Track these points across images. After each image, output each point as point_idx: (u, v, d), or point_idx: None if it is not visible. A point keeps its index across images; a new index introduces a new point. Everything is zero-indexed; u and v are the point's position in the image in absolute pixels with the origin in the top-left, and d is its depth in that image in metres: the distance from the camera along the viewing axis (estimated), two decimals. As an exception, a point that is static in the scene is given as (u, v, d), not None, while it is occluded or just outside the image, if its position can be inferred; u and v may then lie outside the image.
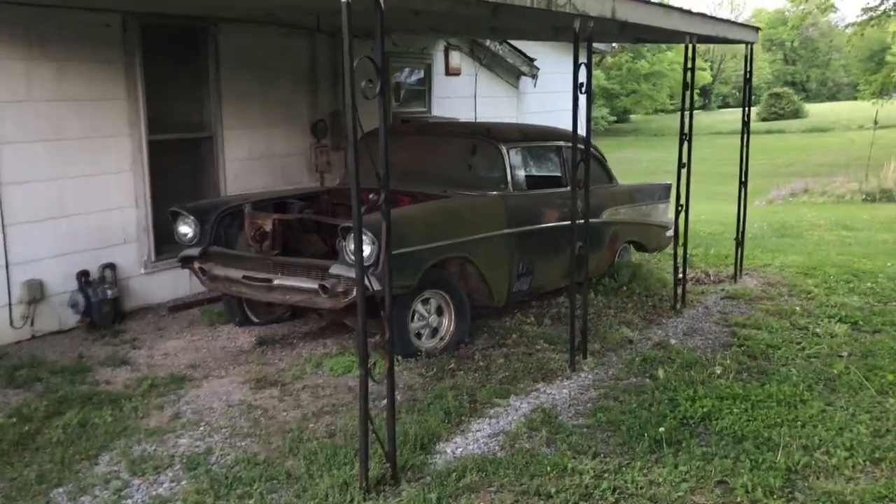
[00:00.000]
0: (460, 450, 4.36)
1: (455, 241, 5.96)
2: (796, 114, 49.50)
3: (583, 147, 5.81)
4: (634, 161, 32.06)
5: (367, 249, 5.33)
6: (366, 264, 5.31)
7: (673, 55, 46.63)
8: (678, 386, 5.23)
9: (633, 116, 53.24)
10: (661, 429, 4.44)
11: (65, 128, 6.65)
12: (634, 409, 4.84)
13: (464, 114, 11.27)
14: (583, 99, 5.50)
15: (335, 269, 5.47)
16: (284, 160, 8.73)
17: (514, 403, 5.02)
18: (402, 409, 4.80)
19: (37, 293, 6.48)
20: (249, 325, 6.76)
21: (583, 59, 5.47)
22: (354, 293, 5.49)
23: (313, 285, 5.59)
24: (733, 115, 48.19)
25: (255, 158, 8.36)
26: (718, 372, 5.57)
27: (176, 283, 7.51)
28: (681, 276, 7.62)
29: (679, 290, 7.58)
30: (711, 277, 9.06)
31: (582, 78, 5.43)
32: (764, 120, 47.18)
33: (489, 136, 6.86)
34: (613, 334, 6.50)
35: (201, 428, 4.67)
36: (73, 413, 4.81)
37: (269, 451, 4.33)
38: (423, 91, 10.99)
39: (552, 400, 5.10)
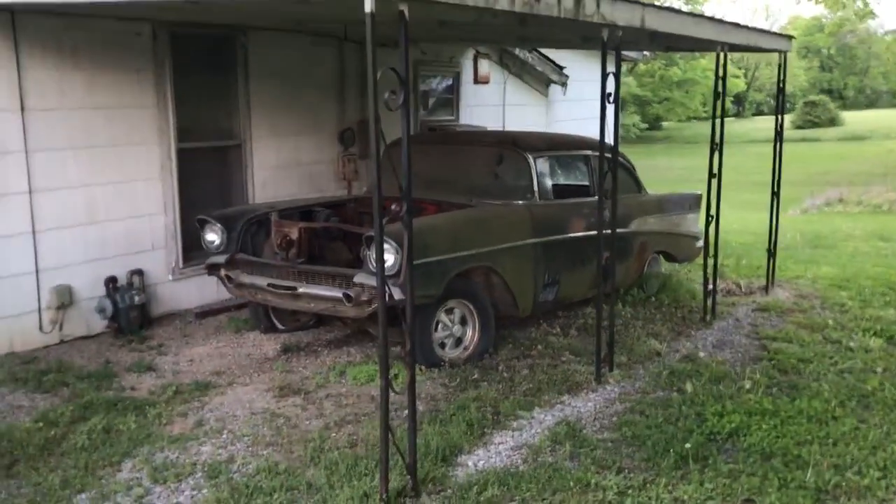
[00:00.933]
0: (482, 462, 4.32)
1: (480, 251, 5.92)
2: (832, 122, 48.85)
3: (610, 156, 5.75)
4: (666, 169, 31.82)
5: (389, 259, 5.31)
6: (388, 274, 5.30)
7: (706, 62, 46.22)
8: (706, 400, 5.14)
9: (665, 124, 52.85)
10: (688, 445, 4.36)
11: (95, 135, 6.72)
12: (660, 424, 4.76)
13: (492, 122, 11.24)
14: (611, 108, 5.45)
15: (359, 278, 5.46)
16: (312, 168, 8.76)
17: (537, 416, 4.96)
18: (425, 420, 4.76)
19: (66, 298, 6.54)
20: (275, 332, 6.78)
21: (611, 68, 5.42)
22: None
23: (337, 294, 5.58)
24: (767, 123, 47.55)
25: (282, 166, 8.40)
26: (748, 386, 5.47)
27: (203, 289, 7.54)
28: (710, 287, 7.50)
29: (709, 302, 7.47)
30: (742, 289, 8.93)
31: (610, 88, 5.37)
32: (799, 128, 46.60)
33: (515, 146, 6.82)
34: (641, 346, 6.41)
35: (224, 436, 4.67)
36: (98, 419, 4.83)
37: (290, 461, 4.32)
38: (451, 99, 10.98)
39: (577, 413, 5.03)
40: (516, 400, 5.18)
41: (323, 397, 5.27)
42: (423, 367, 5.75)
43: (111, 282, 6.78)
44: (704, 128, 50.39)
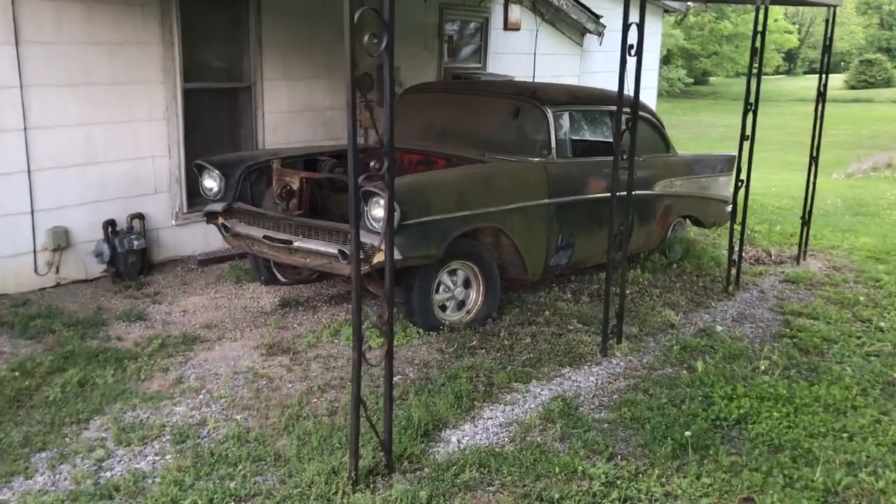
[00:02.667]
0: (467, 439, 4.05)
1: (487, 211, 5.58)
2: (888, 82, 47.00)
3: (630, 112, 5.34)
4: (710, 125, 30.95)
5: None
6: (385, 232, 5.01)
7: (758, 16, 44.60)
8: (716, 381, 4.81)
9: (712, 79, 51.36)
10: (688, 432, 4.03)
11: (95, 72, 6.45)
12: (663, 406, 4.45)
13: (521, 72, 10.77)
14: (635, 62, 5.03)
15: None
16: (326, 114, 8.43)
17: (533, 390, 4.67)
18: (412, 390, 4.51)
19: (62, 241, 6.36)
20: (275, 284, 6.55)
21: (635, 17, 4.99)
22: (376, 260, 5.21)
23: (333, 250, 5.30)
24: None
25: (295, 111, 8.08)
26: (763, 367, 5.11)
27: (207, 236, 7.31)
28: (735, 256, 7.10)
29: (733, 272, 7.07)
30: (773, 257, 8.51)
31: (633, 39, 4.95)
32: (852, 88, 44.91)
33: (534, 98, 6.41)
34: (654, 317, 6.07)
35: (201, 396, 4.46)
36: (76, 371, 4.65)
37: (263, 427, 4.09)
38: (478, 46, 10.52)
39: (576, 388, 4.74)
40: (513, 371, 4.89)
41: (312, 358, 5.03)
42: (420, 331, 5.48)
43: (110, 225, 6.58)
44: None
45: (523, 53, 11.02)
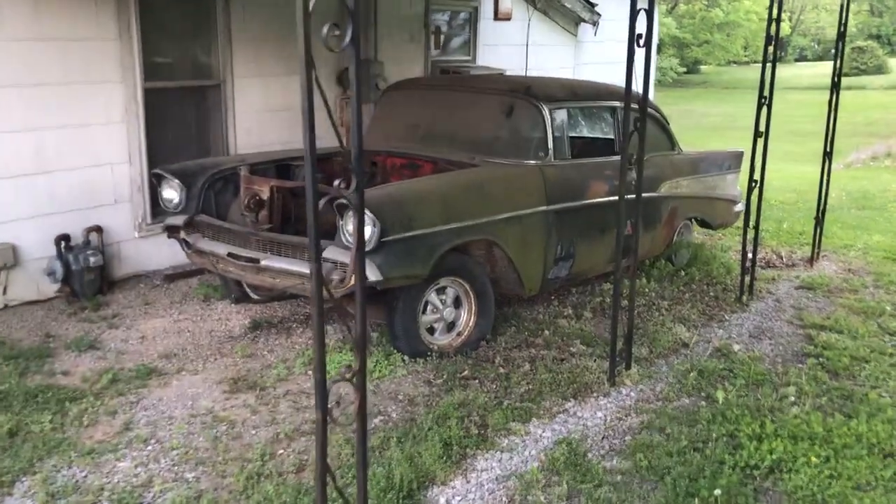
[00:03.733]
0: (458, 499, 3.47)
1: (478, 222, 4.98)
2: (880, 69, 46.49)
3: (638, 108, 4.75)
4: (702, 115, 30.37)
5: (366, 231, 4.41)
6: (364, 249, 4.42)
7: (750, 3, 44.11)
8: (740, 416, 4.23)
9: (703, 68, 50.74)
10: (718, 491, 3.46)
11: (44, 72, 5.82)
12: (684, 450, 3.87)
13: (513, 64, 10.16)
14: (642, 53, 4.44)
15: (330, 252, 4.56)
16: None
17: (534, 431, 4.09)
18: (394, 435, 3.91)
19: (9, 258, 5.74)
20: (247, 302, 5.94)
21: (643, 3, 4.40)
22: (352, 281, 4.62)
23: (305, 269, 4.69)
24: (810, 70, 45.54)
25: (270, 110, 7.46)
26: (792, 396, 4.54)
27: (174, 248, 6.59)
28: (749, 263, 6.53)
29: (746, 279, 6.50)
30: (784, 259, 7.95)
31: (641, 28, 4.35)
32: (844, 75, 44.37)
33: (529, 94, 5.81)
34: (665, 335, 5.50)
35: (150, 447, 3.86)
36: (7, 417, 4.04)
37: (218, 490, 3.49)
38: (468, 38, 9.90)
39: (582, 428, 4.15)
40: (511, 407, 4.30)
41: (281, 395, 4.44)
42: (405, 359, 4.89)
43: (63, 240, 5.97)
44: (744, 73, 48.42)
45: (515, 44, 10.41)
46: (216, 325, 5.58)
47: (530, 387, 4.58)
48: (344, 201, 4.43)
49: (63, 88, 5.95)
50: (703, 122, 27.34)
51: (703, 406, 4.42)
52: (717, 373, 4.90)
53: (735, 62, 51.12)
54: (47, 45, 5.82)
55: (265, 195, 5.37)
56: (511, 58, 10.21)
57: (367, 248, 4.41)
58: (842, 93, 7.64)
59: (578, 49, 11.72)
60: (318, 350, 2.79)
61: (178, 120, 6.90)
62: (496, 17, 9.96)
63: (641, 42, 4.36)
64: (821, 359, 5.21)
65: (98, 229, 6.19)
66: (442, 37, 9.48)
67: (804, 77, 39.91)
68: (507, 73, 9.63)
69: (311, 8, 2.59)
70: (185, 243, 5.40)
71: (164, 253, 6.70)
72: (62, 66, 5.93)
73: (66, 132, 6.01)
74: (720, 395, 4.52)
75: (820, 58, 55.85)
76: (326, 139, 8.25)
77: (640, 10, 4.33)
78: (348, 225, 4.49)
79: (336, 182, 2.86)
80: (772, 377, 4.88)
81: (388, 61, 8.48)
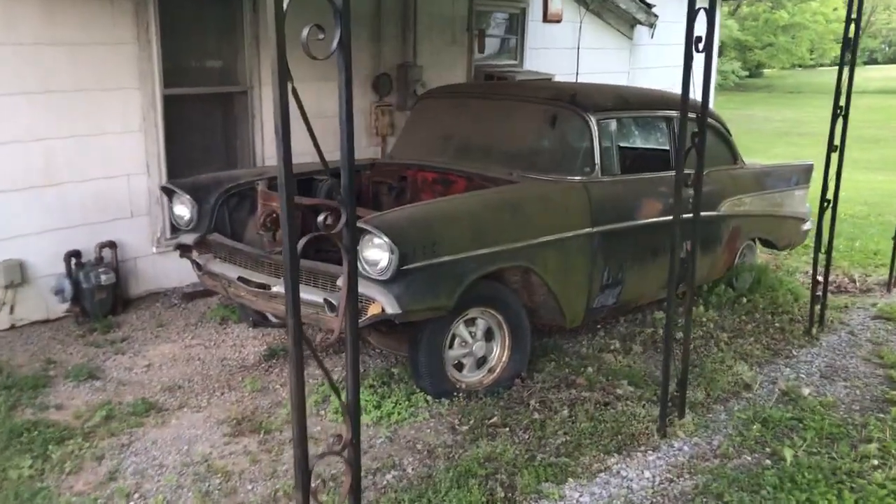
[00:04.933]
0: (475, 584, 2.95)
1: (512, 247, 4.44)
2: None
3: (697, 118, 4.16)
4: (764, 120, 29.25)
5: (381, 259, 3.93)
6: (380, 278, 3.95)
7: (817, 5, 42.59)
8: (814, 481, 3.62)
9: (766, 71, 49.21)
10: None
11: (55, 78, 5.47)
12: (746, 526, 3.29)
13: (563, 69, 9.60)
14: (702, 58, 3.87)
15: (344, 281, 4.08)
16: (338, 121, 7.34)
17: (569, 494, 3.53)
18: (406, 498, 3.41)
19: (16, 276, 5.41)
20: (265, 326, 5.51)
21: (703, 2, 3.82)
22: (371, 313, 4.14)
23: (319, 298, 4.23)
24: (880, 73, 43.72)
25: (301, 119, 7.01)
26: (874, 458, 3.91)
27: (194, 265, 6.31)
28: (820, 291, 5.87)
29: (816, 309, 5.84)
30: (857, 283, 7.25)
31: (700, 30, 3.78)
32: (918, 79, 42.49)
33: (573, 103, 5.25)
34: (724, 374, 4.89)
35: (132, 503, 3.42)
36: (-15, 461, 3.66)
37: (200, 562, 3.04)
38: (514, 41, 9.37)
39: (626, 492, 3.59)
40: (544, 464, 3.75)
41: (286, 440, 3.96)
42: (428, 399, 4.39)
43: (73, 256, 5.62)
44: (809, 76, 46.83)
45: (565, 48, 9.84)
46: (230, 351, 5.16)
47: (568, 437, 4.02)
48: (360, 225, 3.96)
49: (75, 95, 5.60)
50: (765, 126, 26.28)
51: (768, 467, 3.81)
52: (784, 423, 4.28)
53: (800, 65, 49.49)
54: (58, 50, 5.47)
55: (283, 212, 4.94)
56: (560, 62, 9.65)
57: (384, 278, 3.93)
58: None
59: (634, 53, 11.09)
60: (296, 424, 2.31)
61: (201, 129, 6.51)
62: (545, 18, 9.42)
63: (701, 46, 3.78)
64: (905, 407, 4.56)
65: (112, 245, 5.83)
66: (486, 39, 8.96)
67: (874, 80, 38.28)
68: (556, 78, 9.08)
69: (284, 8, 2.10)
70: (195, 265, 4.98)
71: (183, 270, 6.23)
72: (74, 73, 5.57)
73: (79, 141, 5.66)
74: (788, 452, 3.90)
75: (891, 60, 53.72)
76: (359, 148, 7.70)
77: (699, 9, 3.75)
78: (365, 251, 4.00)
79: (320, 217, 2.37)
80: (848, 429, 4.24)
81: (428, 65, 7.99)
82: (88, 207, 5.76)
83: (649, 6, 10.76)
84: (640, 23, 10.87)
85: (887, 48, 58.47)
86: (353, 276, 2.44)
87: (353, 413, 2.51)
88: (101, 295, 5.65)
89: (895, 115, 29.28)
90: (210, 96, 6.52)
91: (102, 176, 5.82)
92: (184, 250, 5.11)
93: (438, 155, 5.59)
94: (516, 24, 9.31)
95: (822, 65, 48.77)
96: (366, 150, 7.57)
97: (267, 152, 6.82)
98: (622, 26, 10.81)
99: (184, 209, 5.04)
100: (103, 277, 5.63)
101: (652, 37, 11.11)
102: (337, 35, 2.26)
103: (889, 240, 7.09)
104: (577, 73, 9.79)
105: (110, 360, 4.96)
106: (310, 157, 7.08)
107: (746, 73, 45.27)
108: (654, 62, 11.07)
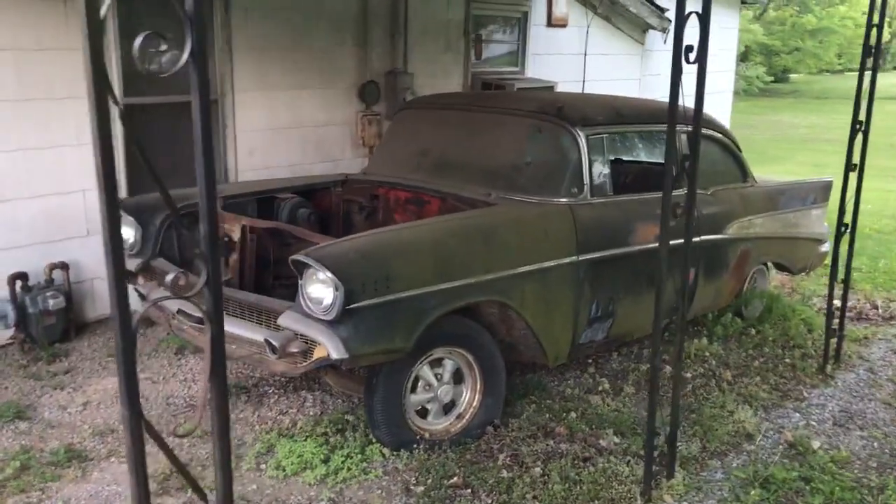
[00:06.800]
0: None
1: (483, 279, 3.93)
2: None
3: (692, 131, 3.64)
4: (790, 126, 28.48)
5: (326, 296, 3.45)
6: (324, 318, 3.47)
7: (846, 9, 41.66)
8: (819, 566, 3.10)
9: (793, 76, 48.24)
10: None
11: None
12: None
13: (569, 76, 9.09)
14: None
15: (285, 320, 3.61)
16: (320, 131, 6.91)
17: (529, 579, 3.03)
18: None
19: (-45, 301, 5.00)
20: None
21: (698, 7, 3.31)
22: (317, 356, 3.66)
23: (260, 338, 3.76)
24: (910, 79, 42.66)
25: (278, 129, 6.58)
26: (891, 533, 3.37)
27: (157, 286, 5.87)
28: (836, 323, 5.32)
29: (832, 342, 5.29)
30: (879, 311, 6.66)
31: (691, 39, 3.26)
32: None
33: (560, 116, 4.73)
34: (724, 422, 4.35)
35: (18, 584, 2.97)
36: None
37: None
38: (516, 46, 8.86)
39: (596, 576, 3.08)
40: (504, 537, 3.25)
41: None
42: (385, 452, 3.89)
43: (17, 279, 5.19)
44: (837, 82, 45.94)
45: (571, 54, 9.32)
46: (178, 388, 4.70)
47: (537, 503, 3.51)
48: (301, 259, 3.50)
49: (21, 106, 5.17)
50: (790, 133, 25.55)
51: (766, 544, 3.29)
52: (789, 485, 3.74)
53: (828, 71, 48.48)
54: (3, 55, 5.05)
55: (236, 236, 4.49)
56: (566, 69, 9.13)
57: (328, 318, 3.45)
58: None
59: (645, 59, 10.54)
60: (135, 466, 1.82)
61: (165, 141, 6.05)
62: (549, 23, 8.92)
63: (692, 56, 3.27)
64: (930, 465, 4.01)
65: (64, 266, 5.39)
66: (485, 45, 8.46)
67: (900, 87, 37.32)
68: (561, 86, 8.57)
69: (102, 14, 1.62)
70: (139, 294, 4.53)
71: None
72: (19, 81, 5.13)
73: (27, 155, 5.24)
74: (791, 526, 3.37)
75: (920, 66, 52.58)
76: (344, 160, 7.20)
77: (689, 13, 3.23)
78: (308, 287, 3.52)
79: (169, 276, 1.89)
80: (863, 494, 3.70)
81: (421, 73, 7.52)
82: (38, 226, 5.34)
83: (662, 10, 10.21)
84: (653, 28, 10.32)
85: (918, 53, 57.18)
86: (219, 350, 1.96)
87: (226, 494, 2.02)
88: (48, 320, 5.22)
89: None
90: (176, 105, 6.05)
91: (55, 192, 5.39)
92: (128, 277, 4.66)
93: (413, 172, 5.10)
94: (518, 29, 8.80)
95: (850, 70, 47.72)
96: (351, 161, 7.11)
97: (240, 165, 6.39)
98: (633, 31, 10.26)
99: (127, 231, 4.58)
100: (51, 302, 5.20)
101: (665, 42, 10.53)
102: (188, 45, 1.77)
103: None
104: (583, 81, 9.27)
105: (46, 396, 4.52)
106: (286, 169, 6.63)
107: (772, 78, 44.40)
108: (666, 69, 10.46)
